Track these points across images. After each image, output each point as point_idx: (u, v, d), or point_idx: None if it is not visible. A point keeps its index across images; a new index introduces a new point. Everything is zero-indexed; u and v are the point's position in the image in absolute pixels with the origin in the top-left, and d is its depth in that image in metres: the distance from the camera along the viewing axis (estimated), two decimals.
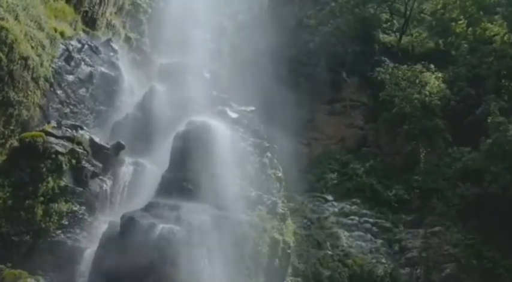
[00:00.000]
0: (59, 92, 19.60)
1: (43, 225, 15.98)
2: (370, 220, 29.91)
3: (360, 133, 35.74)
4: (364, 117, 35.94)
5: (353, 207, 30.87)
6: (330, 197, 31.50)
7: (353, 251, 27.26)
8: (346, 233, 28.51)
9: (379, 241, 28.64)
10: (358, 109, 36.29)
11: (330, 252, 26.36)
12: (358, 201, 31.24)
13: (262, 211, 18.62)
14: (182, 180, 17.08)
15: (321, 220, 28.77)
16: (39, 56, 18.48)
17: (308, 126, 36.00)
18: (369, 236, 28.88)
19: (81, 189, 17.14)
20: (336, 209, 30.59)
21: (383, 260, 27.35)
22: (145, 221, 15.33)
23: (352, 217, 30.04)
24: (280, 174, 22.25)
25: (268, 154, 21.38)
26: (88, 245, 16.43)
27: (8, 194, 15.84)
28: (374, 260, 27.15)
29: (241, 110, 21.80)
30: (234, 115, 20.39)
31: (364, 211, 30.59)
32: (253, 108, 22.51)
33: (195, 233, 15.49)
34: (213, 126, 18.29)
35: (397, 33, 37.93)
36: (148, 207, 16.02)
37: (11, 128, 17.36)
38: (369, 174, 32.59)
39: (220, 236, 16.17)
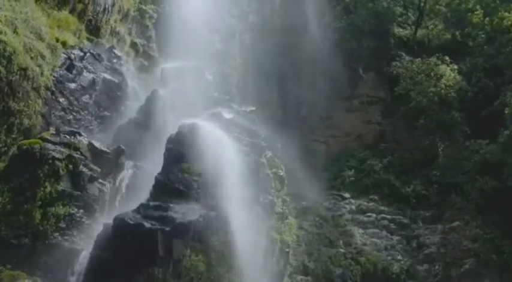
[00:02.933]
0: (61, 99, 20.25)
1: (41, 228, 16.60)
2: (388, 217, 29.64)
3: (377, 129, 35.49)
4: (381, 113, 35.69)
5: (370, 204, 30.67)
6: (347, 195, 31.40)
7: (367, 248, 27.04)
8: (361, 231, 28.32)
9: (396, 238, 28.35)
10: (375, 105, 36.05)
11: (342, 250, 26.25)
12: (376, 197, 31.06)
13: (257, 210, 18.75)
14: (174, 181, 17.41)
15: (335, 218, 28.64)
16: (39, 66, 19.14)
17: (325, 124, 36.02)
18: (384, 232, 28.61)
19: (79, 193, 17.72)
20: (353, 207, 30.45)
21: (399, 257, 27.05)
22: (134, 221, 15.71)
23: (369, 214, 29.85)
24: (282, 174, 22.36)
25: (268, 153, 21.49)
26: (86, 246, 16.95)
27: (7, 199, 16.55)
28: (389, 257, 26.88)
29: (241, 111, 21.99)
30: (228, 116, 20.59)
31: (382, 208, 30.37)
32: (253, 108, 22.64)
33: (183, 232, 15.79)
34: (204, 128, 18.56)
35: (412, 27, 37.33)
36: (140, 209, 16.41)
37: (13, 136, 18.02)
38: (387, 170, 32.38)
39: (209, 235, 16.45)
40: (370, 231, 28.56)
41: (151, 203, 16.67)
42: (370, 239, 27.92)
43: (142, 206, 16.56)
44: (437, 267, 26.68)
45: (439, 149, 31.31)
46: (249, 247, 17.64)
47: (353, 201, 30.91)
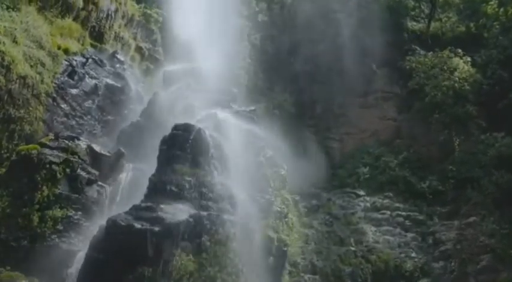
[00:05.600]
0: (63, 105, 20.81)
1: (39, 231, 17.16)
2: (403, 213, 29.23)
3: (393, 125, 34.92)
4: (397, 109, 35.12)
5: (385, 201, 30.27)
6: (361, 192, 31.06)
7: (379, 246, 26.72)
8: (373, 228, 27.96)
9: (410, 235, 27.92)
10: (390, 100, 35.50)
11: (352, 249, 26.01)
12: (391, 194, 30.65)
13: (254, 210, 18.76)
14: (167, 182, 17.61)
15: (347, 216, 28.37)
16: (39, 73, 19.73)
17: (340, 121, 35.67)
18: (397, 230, 28.19)
19: (77, 195, 18.21)
20: (368, 204, 30.11)
21: (413, 254, 26.64)
22: (125, 223, 15.99)
23: (384, 211, 29.47)
24: (283, 173, 22.26)
25: (268, 153, 21.45)
26: (83, 248, 17.34)
27: (6, 203, 17.17)
28: (403, 255, 26.48)
29: (240, 111, 22.03)
30: (223, 116, 20.65)
31: (397, 205, 29.93)
32: (253, 108, 22.64)
33: (172, 232, 15.98)
34: (197, 129, 18.64)
35: (425, 20, 36.58)
36: (132, 210, 16.69)
37: (15, 142, 18.68)
38: (402, 167, 31.88)
39: (200, 235, 16.59)
40: (383, 228, 28.18)
41: (142, 204, 16.94)
42: (382, 237, 27.55)
43: (134, 207, 16.86)
44: (453, 263, 26.17)
45: (455, 144, 30.61)
46: (243, 247, 17.67)
47: (368, 198, 30.55)
